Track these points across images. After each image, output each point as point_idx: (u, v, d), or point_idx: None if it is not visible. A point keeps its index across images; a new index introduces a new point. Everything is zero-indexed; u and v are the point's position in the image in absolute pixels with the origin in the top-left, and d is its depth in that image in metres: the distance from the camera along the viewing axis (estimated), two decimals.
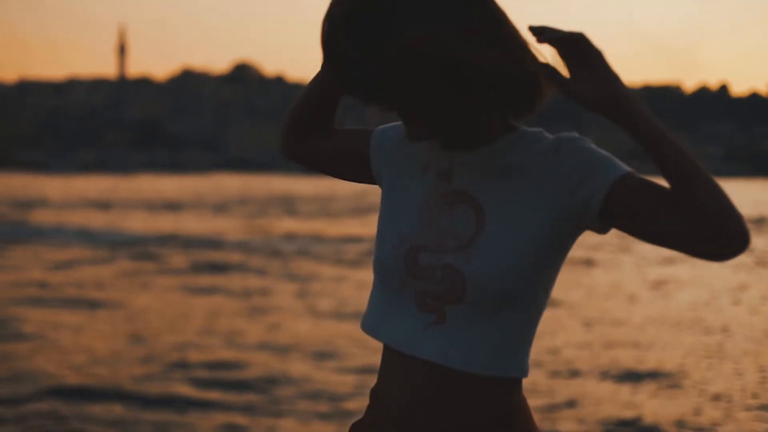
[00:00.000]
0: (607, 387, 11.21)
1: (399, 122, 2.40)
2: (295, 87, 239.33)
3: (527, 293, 2.19)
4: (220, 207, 53.33)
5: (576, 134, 2.22)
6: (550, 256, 2.20)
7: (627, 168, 2.14)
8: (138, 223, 39.14)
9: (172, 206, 53.17)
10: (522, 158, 2.21)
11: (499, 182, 2.21)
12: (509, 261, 2.16)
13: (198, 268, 23.49)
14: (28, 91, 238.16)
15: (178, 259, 25.51)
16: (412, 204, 2.29)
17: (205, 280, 21.26)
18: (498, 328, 2.19)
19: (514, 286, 2.17)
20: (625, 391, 11.03)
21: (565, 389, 10.97)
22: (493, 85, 2.07)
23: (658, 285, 21.51)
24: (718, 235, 2.03)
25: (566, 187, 2.14)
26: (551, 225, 2.17)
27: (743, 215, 2.06)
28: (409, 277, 2.24)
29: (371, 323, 2.33)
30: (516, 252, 2.16)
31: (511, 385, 2.25)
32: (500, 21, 2.09)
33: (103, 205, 53.34)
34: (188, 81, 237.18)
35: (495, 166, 2.21)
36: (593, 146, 2.19)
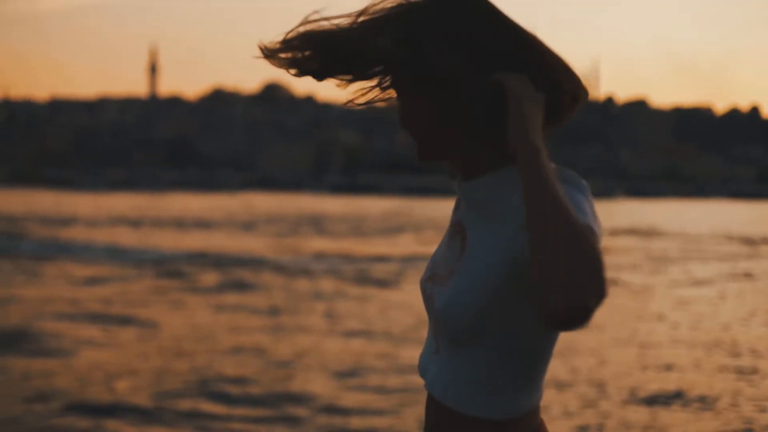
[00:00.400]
0: (637, 409, 11.14)
1: None
2: (325, 107, 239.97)
3: (493, 331, 2.13)
4: (250, 225, 53.43)
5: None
6: (516, 295, 2.11)
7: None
8: (167, 240, 39.25)
9: (202, 224, 53.32)
10: (502, 194, 2.16)
11: (478, 216, 2.20)
12: (469, 296, 2.13)
13: (226, 286, 23.52)
14: (59, 109, 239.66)
15: (207, 277, 25.56)
16: (443, 242, 2.33)
17: (233, 298, 21.29)
18: (471, 364, 2.16)
19: (475, 322, 2.13)
20: (653, 413, 10.96)
21: (592, 411, 10.91)
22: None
23: (686, 305, 21.40)
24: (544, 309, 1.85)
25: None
26: (511, 263, 2.09)
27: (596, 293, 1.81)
28: (426, 306, 2.30)
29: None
30: (475, 288, 2.13)
31: (496, 427, 2.17)
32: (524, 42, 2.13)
33: (133, 222, 53.55)
34: (219, 100, 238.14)
35: (479, 198, 2.21)
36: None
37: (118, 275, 25.44)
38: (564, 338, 10.03)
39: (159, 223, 54.16)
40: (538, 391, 2.21)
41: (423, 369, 2.30)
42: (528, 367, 2.17)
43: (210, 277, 25.40)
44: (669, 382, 12.67)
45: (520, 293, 2.11)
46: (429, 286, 2.26)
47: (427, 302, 2.27)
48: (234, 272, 26.79)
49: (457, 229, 2.25)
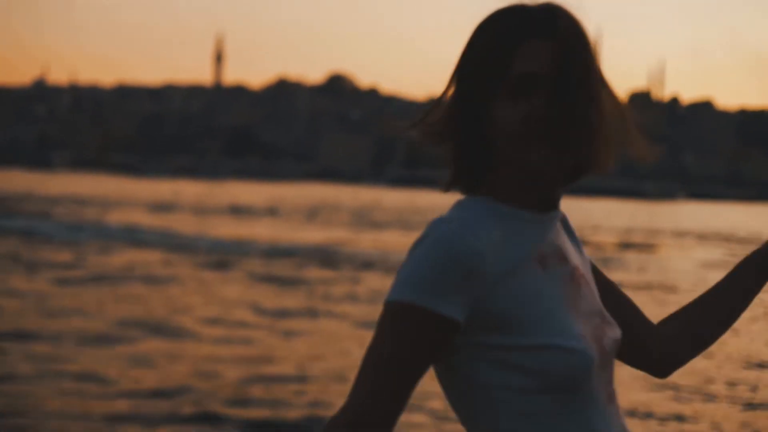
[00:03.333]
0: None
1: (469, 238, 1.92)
2: (389, 99, 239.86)
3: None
4: (311, 214, 53.60)
5: None
6: None
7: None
8: (227, 229, 39.51)
9: (264, 213, 53.58)
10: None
11: (576, 248, 2.13)
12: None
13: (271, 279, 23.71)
14: (125, 95, 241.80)
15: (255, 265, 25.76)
16: (560, 303, 1.96)
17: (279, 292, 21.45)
18: None
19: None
20: None
21: None
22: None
23: None
24: None
25: None
26: None
27: None
28: (600, 375, 1.98)
29: None
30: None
31: None
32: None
33: (198, 210, 53.95)
34: (283, 90, 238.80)
35: (569, 232, 2.13)
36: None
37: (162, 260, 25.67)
38: None
39: (218, 210, 54.51)
40: None
41: None
42: None
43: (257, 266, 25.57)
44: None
45: None
46: (608, 342, 2.02)
47: (606, 361, 2.01)
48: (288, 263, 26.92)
49: (577, 274, 2.03)
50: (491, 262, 1.87)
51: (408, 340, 1.83)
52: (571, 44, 1.92)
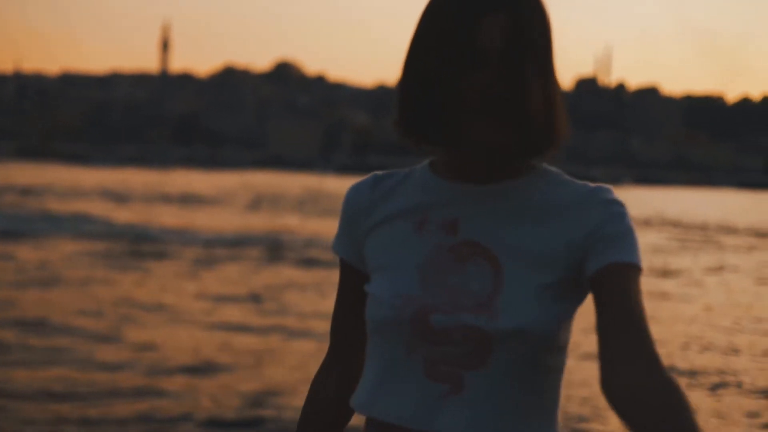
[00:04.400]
0: None
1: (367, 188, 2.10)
2: (336, 86, 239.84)
3: (554, 351, 1.98)
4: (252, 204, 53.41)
5: (614, 194, 2.01)
6: (568, 307, 1.99)
7: (638, 263, 1.92)
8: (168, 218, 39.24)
9: (210, 201, 53.36)
10: (551, 198, 2.00)
11: (518, 226, 1.98)
12: (535, 316, 1.94)
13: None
14: (71, 83, 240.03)
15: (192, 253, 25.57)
16: (410, 264, 1.99)
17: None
18: (527, 391, 1.97)
19: (542, 344, 1.95)
20: None
21: None
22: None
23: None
24: None
25: (585, 237, 1.95)
26: (566, 270, 1.96)
27: None
28: (418, 343, 1.96)
29: (363, 401, 2.03)
30: (540, 306, 1.95)
31: None
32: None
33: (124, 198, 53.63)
34: (230, 78, 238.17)
35: (514, 206, 2.00)
36: (629, 217, 1.99)
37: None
38: None
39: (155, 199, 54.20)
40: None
41: (408, 417, 1.97)
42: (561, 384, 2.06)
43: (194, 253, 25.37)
44: None
45: (572, 300, 2.00)
46: (439, 319, 1.95)
47: (434, 337, 1.96)
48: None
49: (470, 251, 1.98)
50: (369, 213, 2.03)
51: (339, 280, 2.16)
52: (526, 17, 1.91)
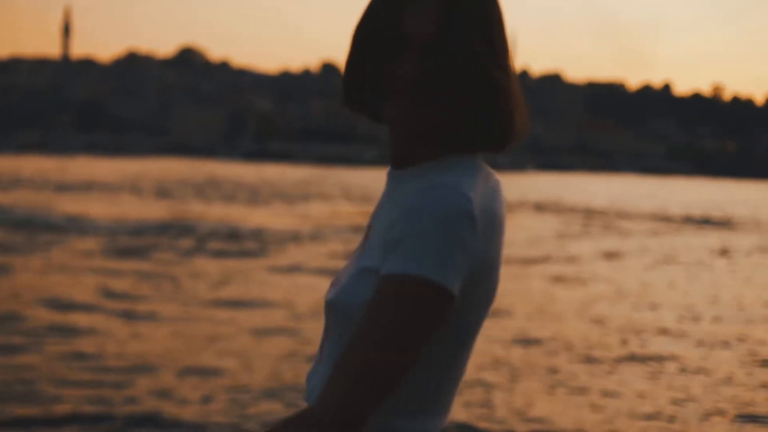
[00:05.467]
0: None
1: None
2: (240, 73, 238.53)
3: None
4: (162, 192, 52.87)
5: (447, 191, 1.88)
6: None
7: (411, 271, 1.83)
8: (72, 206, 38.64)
9: (105, 188, 52.70)
10: (404, 190, 1.99)
11: (384, 213, 2.01)
12: (346, 291, 1.98)
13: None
14: None
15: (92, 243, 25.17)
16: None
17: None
18: None
19: (347, 318, 1.96)
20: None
21: None
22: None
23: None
24: None
25: (384, 238, 1.95)
26: (381, 263, 1.93)
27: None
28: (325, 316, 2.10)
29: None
30: (353, 285, 1.97)
31: None
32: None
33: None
34: (133, 63, 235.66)
35: (395, 193, 2.02)
36: (437, 218, 1.85)
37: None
38: None
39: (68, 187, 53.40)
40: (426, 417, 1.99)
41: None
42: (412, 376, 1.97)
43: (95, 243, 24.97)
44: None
45: None
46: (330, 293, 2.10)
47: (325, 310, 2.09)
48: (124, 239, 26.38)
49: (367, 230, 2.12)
50: None
51: None
52: (457, 5, 1.94)
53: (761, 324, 16.66)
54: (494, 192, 1.98)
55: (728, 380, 11.81)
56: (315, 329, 14.26)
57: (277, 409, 9.54)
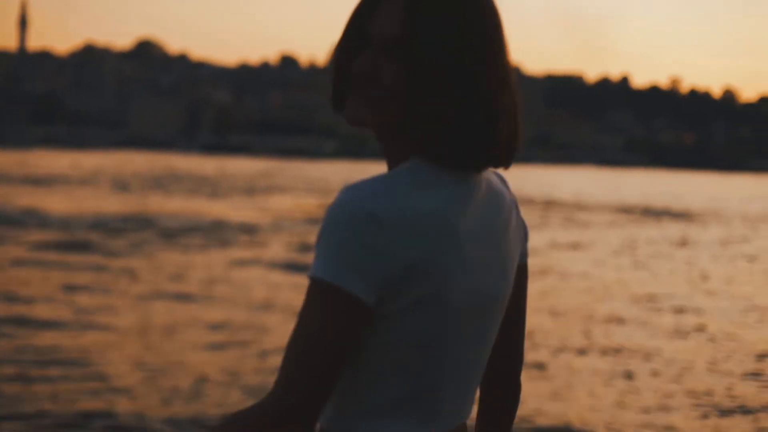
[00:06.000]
0: None
1: None
2: (199, 65, 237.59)
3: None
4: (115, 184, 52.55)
5: (355, 192, 1.88)
6: None
7: (317, 275, 1.86)
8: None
9: (71, 181, 52.32)
10: None
11: None
12: None
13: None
14: None
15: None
16: None
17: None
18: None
19: None
20: None
21: None
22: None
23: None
24: None
25: None
26: None
27: None
28: None
29: None
30: None
31: None
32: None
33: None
34: (90, 56, 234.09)
35: None
36: (336, 219, 1.87)
37: None
38: None
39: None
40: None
41: None
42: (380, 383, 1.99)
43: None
44: None
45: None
46: None
47: None
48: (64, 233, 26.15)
49: None
50: None
51: None
52: (424, 6, 1.92)
53: (719, 314, 16.72)
54: (456, 201, 1.94)
55: (687, 370, 11.82)
56: (271, 322, 14.19)
57: (232, 403, 9.44)
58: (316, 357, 1.85)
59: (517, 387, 2.23)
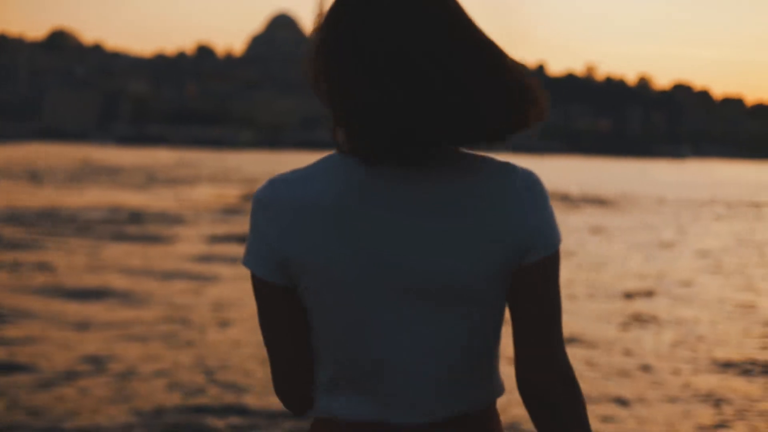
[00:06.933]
0: None
1: None
2: (114, 55, 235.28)
3: None
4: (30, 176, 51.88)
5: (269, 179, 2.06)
6: None
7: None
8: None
9: None
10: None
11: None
12: None
13: None
14: None
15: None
16: None
17: None
18: None
19: None
20: None
21: None
22: None
23: None
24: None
25: None
26: None
27: None
28: None
29: None
30: None
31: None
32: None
33: None
34: (2, 47, 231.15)
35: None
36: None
37: None
38: None
39: None
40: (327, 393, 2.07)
41: None
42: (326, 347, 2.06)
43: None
44: None
45: None
46: None
47: None
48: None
49: None
50: None
51: None
52: (335, 16, 1.97)
53: (639, 300, 16.84)
54: (360, 189, 1.95)
55: (604, 351, 11.88)
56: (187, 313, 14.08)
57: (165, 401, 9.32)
58: (265, 338, 2.03)
59: (538, 395, 2.05)
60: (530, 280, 1.98)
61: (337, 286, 1.94)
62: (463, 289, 1.95)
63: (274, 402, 8.81)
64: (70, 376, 10.13)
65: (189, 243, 23.29)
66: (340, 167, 1.95)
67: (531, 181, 2.00)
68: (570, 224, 32.22)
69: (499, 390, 2.08)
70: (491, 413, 2.06)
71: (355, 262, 1.92)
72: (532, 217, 1.97)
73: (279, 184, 1.96)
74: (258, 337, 11.13)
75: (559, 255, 1.99)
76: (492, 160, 2.03)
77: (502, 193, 1.98)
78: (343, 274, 1.93)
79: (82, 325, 12.85)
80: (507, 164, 2.03)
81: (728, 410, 9.64)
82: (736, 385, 10.64)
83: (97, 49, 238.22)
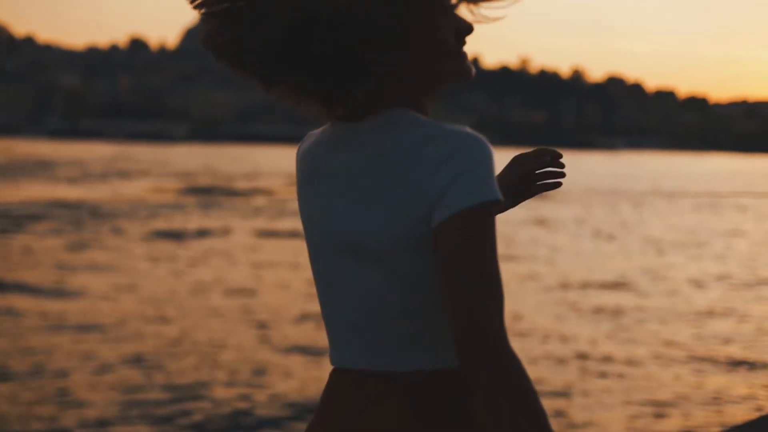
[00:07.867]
0: None
1: None
2: (46, 48, 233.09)
3: None
4: None
5: None
6: None
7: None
8: None
9: None
10: None
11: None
12: None
13: None
14: None
15: None
16: None
17: None
18: None
19: None
20: None
21: None
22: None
23: None
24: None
25: None
26: None
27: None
28: None
29: None
30: None
31: None
32: None
33: None
34: None
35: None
36: None
37: None
38: None
39: None
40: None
41: None
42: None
43: None
44: None
45: None
46: None
47: None
48: None
49: None
50: None
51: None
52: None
53: (576, 290, 16.87)
54: (324, 144, 2.05)
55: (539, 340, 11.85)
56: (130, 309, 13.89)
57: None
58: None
59: (461, 358, 1.80)
60: (440, 240, 1.85)
61: (312, 241, 2.11)
62: (376, 249, 1.93)
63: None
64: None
65: (126, 239, 23.03)
66: (327, 125, 2.08)
67: (439, 137, 1.91)
68: (514, 217, 32.28)
69: (440, 361, 1.95)
70: (429, 380, 1.96)
71: (319, 216, 2.04)
72: (436, 175, 1.86)
73: (305, 142, 2.14)
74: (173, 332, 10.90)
75: (477, 216, 1.81)
76: (403, 117, 1.98)
77: (401, 151, 1.92)
78: (313, 227, 2.08)
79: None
80: (414, 119, 1.97)
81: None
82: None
83: (28, 42, 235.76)
